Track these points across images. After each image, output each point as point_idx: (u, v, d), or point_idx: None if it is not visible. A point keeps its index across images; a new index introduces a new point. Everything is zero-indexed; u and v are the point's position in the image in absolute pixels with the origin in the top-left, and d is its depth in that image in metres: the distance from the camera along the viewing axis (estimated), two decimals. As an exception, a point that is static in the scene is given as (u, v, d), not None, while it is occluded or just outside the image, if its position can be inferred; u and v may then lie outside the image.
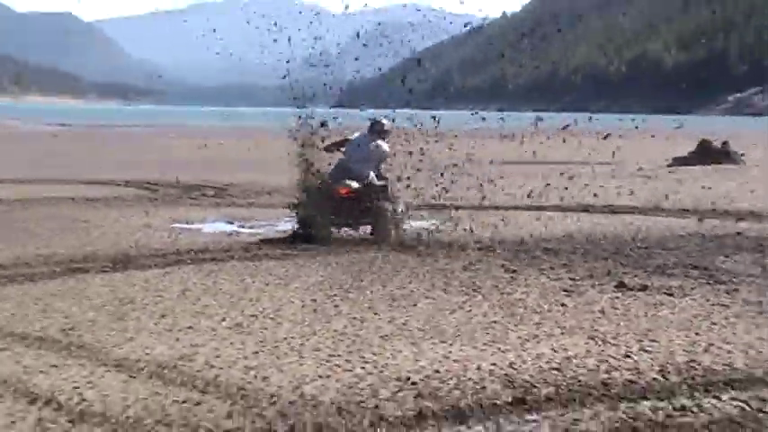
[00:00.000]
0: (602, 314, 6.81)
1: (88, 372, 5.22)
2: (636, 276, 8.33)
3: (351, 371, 5.26)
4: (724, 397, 4.81)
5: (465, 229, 11.48)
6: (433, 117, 12.41)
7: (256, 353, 5.66)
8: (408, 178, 11.73)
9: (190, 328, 6.34)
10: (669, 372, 5.26)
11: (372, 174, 11.10)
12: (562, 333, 6.20)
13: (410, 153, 11.61)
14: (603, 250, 10.01)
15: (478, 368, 5.31)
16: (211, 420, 4.40)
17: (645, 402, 4.71)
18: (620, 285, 7.87)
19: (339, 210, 10.84)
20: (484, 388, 4.93)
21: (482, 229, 11.91)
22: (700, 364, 5.41)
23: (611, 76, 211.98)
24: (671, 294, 7.54)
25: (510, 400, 4.72)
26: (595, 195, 15.76)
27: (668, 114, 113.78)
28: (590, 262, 9.20)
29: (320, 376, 5.15)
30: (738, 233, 11.42)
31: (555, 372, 5.25)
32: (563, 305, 7.14)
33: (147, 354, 5.61)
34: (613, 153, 23.14)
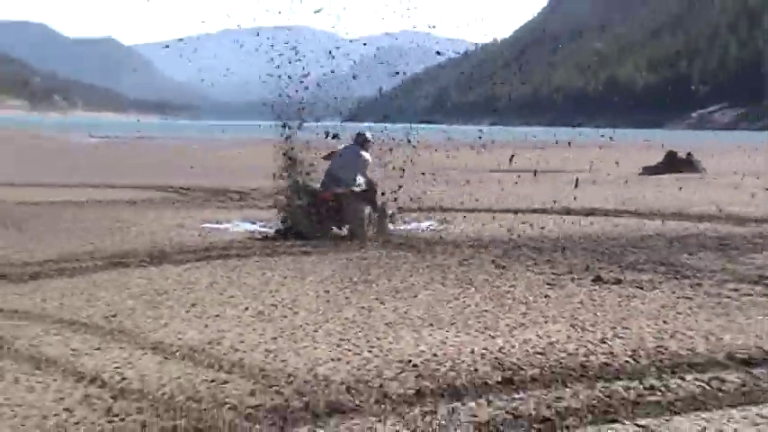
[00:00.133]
0: (581, 305, 6.81)
1: (128, 354, 5.23)
2: (611, 271, 8.31)
3: (359, 354, 5.26)
4: (688, 378, 4.81)
5: (460, 230, 11.48)
6: (410, 131, 12.43)
7: (275, 338, 5.66)
8: (400, 187, 11.79)
9: (217, 315, 6.35)
10: (640, 356, 5.25)
11: (360, 179, 11.14)
12: (545, 321, 6.20)
13: (406, 161, 11.71)
14: (582, 248, 10.00)
15: (472, 352, 5.30)
16: (236, 397, 4.40)
17: (618, 382, 4.71)
18: (597, 279, 7.85)
19: (323, 211, 10.99)
20: (476, 369, 4.92)
21: (474, 229, 11.91)
22: (667, 349, 5.40)
23: (589, 95, 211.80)
24: (641, 287, 7.52)
25: (499, 380, 4.72)
26: (575, 199, 15.72)
27: (639, 129, 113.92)
28: (570, 258, 9.19)
29: (332, 359, 5.15)
30: (700, 233, 11.40)
31: (539, 355, 5.25)
32: (546, 296, 7.13)
33: (180, 338, 5.62)
34: (590, 163, 23.19)
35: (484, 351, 5.33)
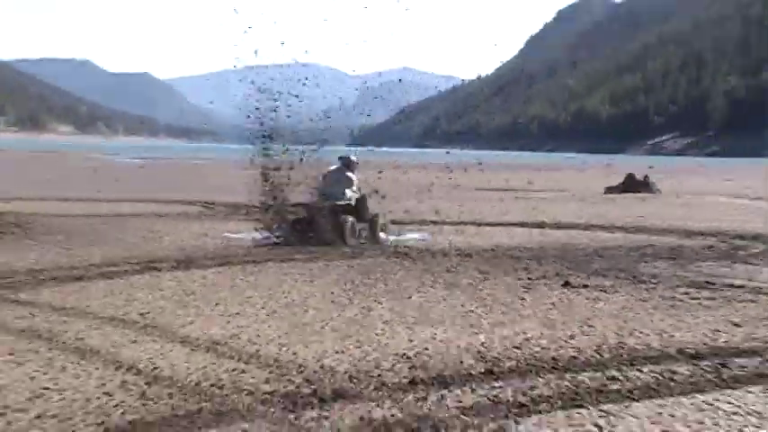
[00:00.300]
0: (553, 306, 6.80)
1: (159, 346, 5.22)
2: (578, 277, 8.31)
3: (360, 348, 5.26)
4: (644, 369, 4.80)
5: (447, 241, 11.48)
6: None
7: (288, 333, 5.65)
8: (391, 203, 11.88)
9: (237, 313, 6.34)
10: (603, 350, 5.25)
11: (348, 193, 11.31)
12: (522, 320, 6.19)
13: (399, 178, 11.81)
14: (554, 257, 9.99)
15: (458, 346, 5.30)
16: (253, 384, 4.39)
17: (584, 373, 4.71)
18: (567, 284, 7.85)
19: (298, 227, 11.21)
20: (462, 361, 4.92)
21: (461, 239, 11.91)
22: (626, 345, 5.40)
23: (560, 125, 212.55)
24: (605, 291, 7.52)
25: (482, 370, 4.71)
26: (546, 214, 15.73)
27: (603, 154, 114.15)
28: (543, 266, 9.18)
29: (336, 351, 5.14)
30: (655, 245, 11.41)
31: (516, 349, 5.24)
32: (522, 299, 7.13)
33: (205, 333, 5.61)
34: (559, 183, 23.19)
35: (468, 346, 5.32)
